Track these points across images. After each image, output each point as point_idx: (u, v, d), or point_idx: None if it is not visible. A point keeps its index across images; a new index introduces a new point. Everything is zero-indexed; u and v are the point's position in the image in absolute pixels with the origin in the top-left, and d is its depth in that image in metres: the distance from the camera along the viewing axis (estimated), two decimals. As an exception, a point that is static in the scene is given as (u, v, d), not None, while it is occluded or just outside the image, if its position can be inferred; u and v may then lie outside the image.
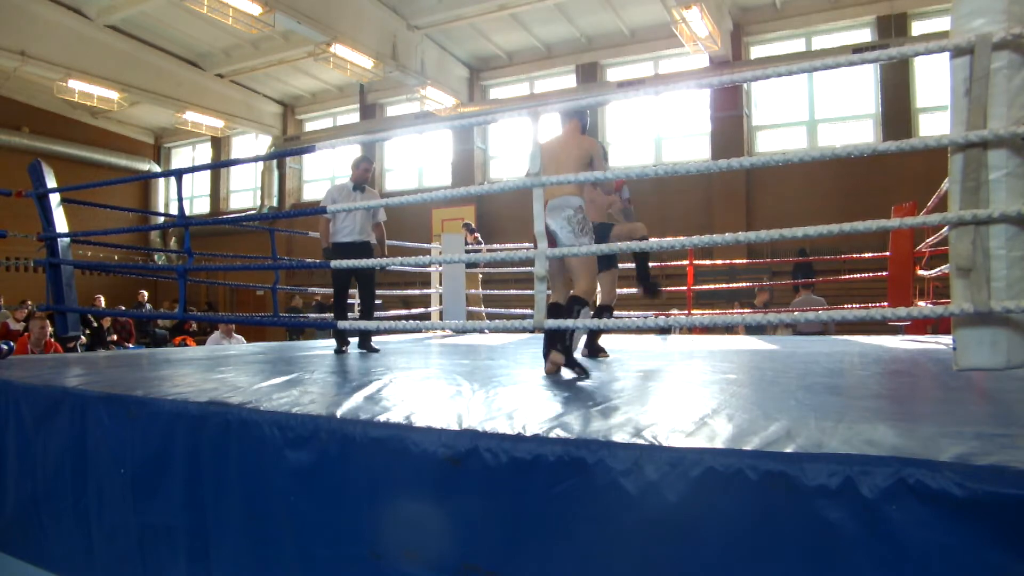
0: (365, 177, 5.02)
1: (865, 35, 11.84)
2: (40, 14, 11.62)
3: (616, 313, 8.46)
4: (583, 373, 2.94)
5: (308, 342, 7.67)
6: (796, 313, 2.01)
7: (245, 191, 18.38)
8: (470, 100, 14.61)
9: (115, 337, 10.71)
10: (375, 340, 5.27)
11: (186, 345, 9.37)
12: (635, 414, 1.97)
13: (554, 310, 3.13)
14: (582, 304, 3.12)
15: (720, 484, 1.45)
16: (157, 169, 18.25)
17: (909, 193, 7.90)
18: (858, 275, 8.46)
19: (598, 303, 4.00)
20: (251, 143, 18.04)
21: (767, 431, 1.63)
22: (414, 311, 7.88)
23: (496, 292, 8.60)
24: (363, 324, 3.32)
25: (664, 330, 8.50)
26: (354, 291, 5.23)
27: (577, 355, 3.51)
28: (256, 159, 4.76)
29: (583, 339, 4.23)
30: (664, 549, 1.50)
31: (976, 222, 1.82)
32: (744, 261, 11.29)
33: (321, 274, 15.28)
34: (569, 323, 2.64)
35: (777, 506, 1.40)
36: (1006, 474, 1.25)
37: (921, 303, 6.41)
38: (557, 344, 3.02)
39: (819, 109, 12.15)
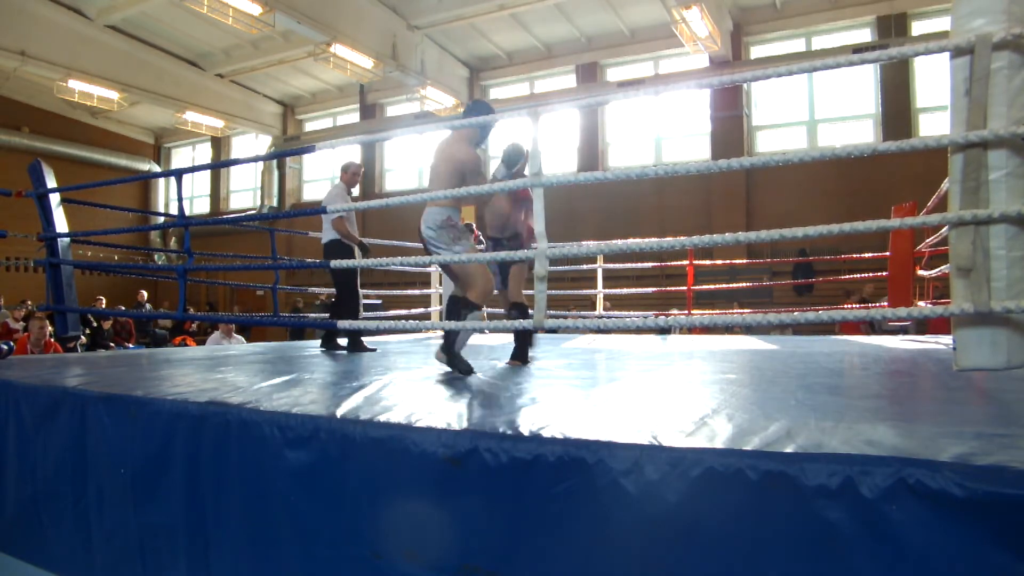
0: (355, 181, 5.18)
1: (865, 35, 11.85)
2: (40, 14, 11.62)
3: (616, 313, 8.48)
4: (467, 371, 3.11)
5: (309, 342, 7.66)
6: (796, 313, 2.00)
7: (245, 191, 18.39)
8: (470, 100, 14.62)
9: (108, 327, 10.68)
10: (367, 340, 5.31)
11: (186, 345, 9.37)
12: (635, 414, 1.97)
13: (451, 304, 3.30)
14: (471, 307, 3.22)
15: (720, 484, 1.45)
16: (157, 169, 18.25)
17: (909, 193, 7.90)
18: (858, 275, 8.46)
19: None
20: (251, 143, 18.05)
21: (767, 431, 1.63)
22: (414, 311, 7.87)
23: (496, 292, 8.58)
24: (362, 324, 3.32)
25: (664, 330, 8.51)
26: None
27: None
28: (256, 159, 4.77)
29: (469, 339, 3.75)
30: (664, 549, 1.50)
31: (976, 222, 1.82)
32: (744, 261, 11.29)
33: (320, 274, 15.27)
34: (568, 323, 2.64)
35: (777, 506, 1.40)
36: (1006, 474, 1.25)
37: (921, 303, 6.41)
38: (443, 343, 3.19)
39: (819, 109, 12.16)
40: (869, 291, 8.80)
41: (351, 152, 16.34)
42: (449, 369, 3.19)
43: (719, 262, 10.80)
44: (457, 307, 3.20)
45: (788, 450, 1.46)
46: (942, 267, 5.81)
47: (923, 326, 7.16)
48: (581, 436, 1.65)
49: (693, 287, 7.85)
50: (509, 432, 1.73)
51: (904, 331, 7.37)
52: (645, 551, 1.52)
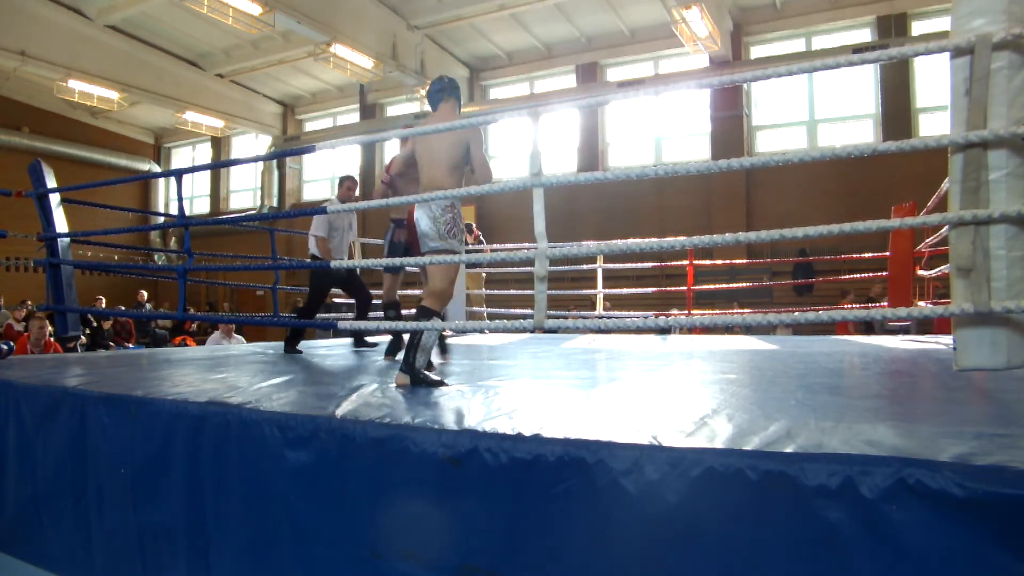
0: (350, 196, 5.18)
1: (865, 35, 11.84)
2: (40, 14, 11.62)
3: (616, 313, 8.49)
4: (438, 384, 2.71)
5: (309, 342, 7.67)
6: (796, 313, 2.00)
7: (245, 191, 18.39)
8: (470, 100, 14.61)
9: (108, 327, 10.68)
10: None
11: (186, 345, 9.37)
12: (635, 414, 1.97)
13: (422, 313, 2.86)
14: (430, 315, 2.83)
15: (720, 484, 1.45)
16: (157, 169, 18.24)
17: (909, 193, 7.90)
18: (858, 275, 8.46)
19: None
20: (251, 143, 18.04)
21: (767, 431, 1.63)
22: (414, 311, 7.87)
23: (496, 292, 8.60)
24: (362, 324, 3.32)
25: (664, 330, 8.51)
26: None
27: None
28: (256, 159, 4.75)
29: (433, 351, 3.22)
30: (664, 549, 1.50)
31: (976, 222, 1.82)
32: (744, 261, 11.29)
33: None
34: (568, 323, 2.64)
35: (777, 506, 1.40)
36: (1006, 474, 1.25)
37: (921, 303, 6.41)
38: (402, 363, 2.77)
39: (819, 109, 12.15)
40: (877, 291, 8.82)
41: (351, 154, 16.34)
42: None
43: (719, 262, 10.80)
44: (423, 317, 2.82)
45: (788, 450, 1.46)
46: (942, 267, 5.81)
47: (927, 326, 7.15)
48: (581, 436, 1.65)
49: (693, 287, 7.85)
50: (509, 432, 1.73)
51: (906, 331, 7.36)
52: (645, 551, 1.52)
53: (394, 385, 2.72)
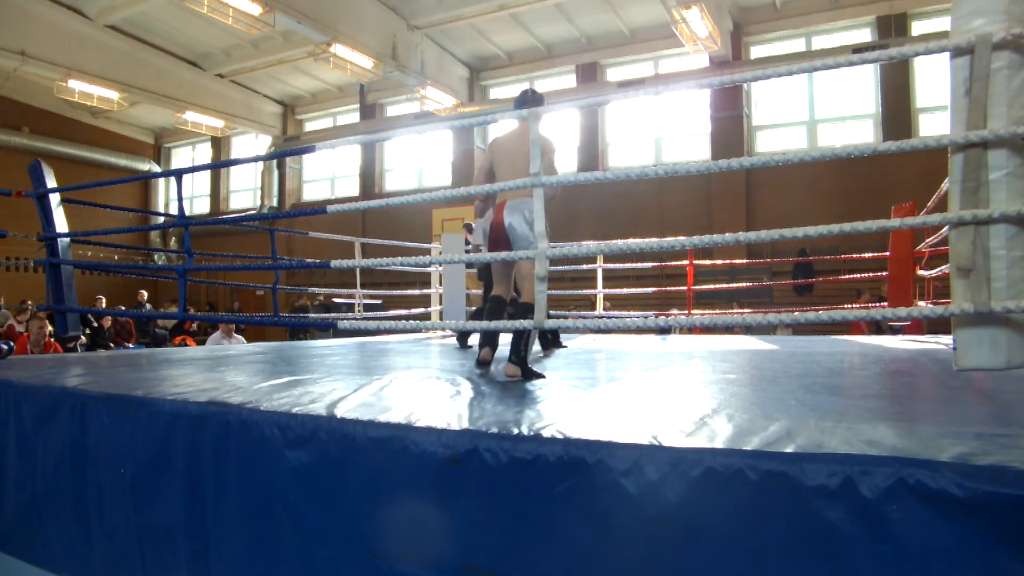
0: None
1: (865, 35, 11.85)
2: (40, 14, 11.62)
3: (616, 313, 8.48)
4: (540, 376, 2.96)
5: (309, 342, 7.67)
6: (796, 313, 2.00)
7: (245, 191, 18.39)
8: (470, 100, 14.62)
9: (108, 327, 10.68)
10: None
11: (186, 345, 9.38)
12: (635, 414, 1.97)
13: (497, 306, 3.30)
14: (531, 310, 2.89)
15: (720, 484, 1.45)
16: (157, 169, 18.26)
17: (909, 193, 7.90)
18: (858, 275, 8.46)
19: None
20: (251, 143, 18.05)
21: (767, 431, 1.63)
22: (414, 311, 7.88)
23: (496, 292, 8.58)
24: (362, 324, 3.31)
25: (664, 330, 8.51)
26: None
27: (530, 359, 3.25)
28: (256, 159, 4.73)
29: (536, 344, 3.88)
30: (664, 549, 1.50)
31: (976, 222, 1.82)
32: (744, 261, 11.29)
33: (320, 274, 15.27)
34: (568, 323, 2.64)
35: (777, 506, 1.40)
36: (1006, 474, 1.25)
37: (921, 303, 6.41)
38: (512, 355, 2.98)
39: (819, 109, 12.16)
40: (887, 290, 8.81)
41: (351, 154, 16.33)
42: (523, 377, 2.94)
43: (719, 262, 10.80)
44: (520, 312, 3.07)
45: (788, 450, 1.46)
46: (942, 267, 5.81)
47: (935, 325, 7.14)
48: (581, 436, 1.65)
49: (693, 287, 7.85)
50: (509, 432, 1.73)
51: (919, 330, 7.35)
52: (645, 551, 1.52)
53: (505, 376, 2.96)
